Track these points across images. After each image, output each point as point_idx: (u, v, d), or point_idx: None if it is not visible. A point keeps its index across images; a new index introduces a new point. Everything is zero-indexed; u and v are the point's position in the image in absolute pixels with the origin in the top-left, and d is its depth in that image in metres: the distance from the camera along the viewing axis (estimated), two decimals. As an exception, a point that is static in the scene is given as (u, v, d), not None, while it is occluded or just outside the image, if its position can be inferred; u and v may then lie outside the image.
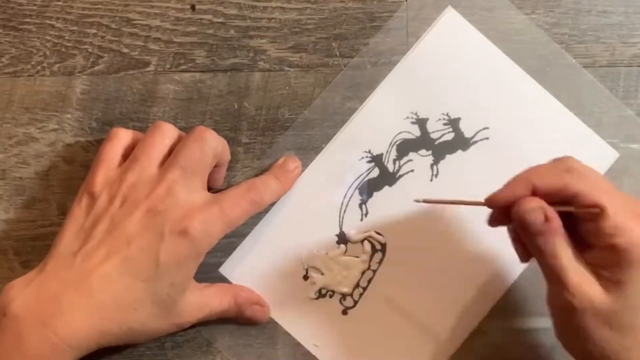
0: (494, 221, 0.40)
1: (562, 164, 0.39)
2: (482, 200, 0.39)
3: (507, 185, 0.39)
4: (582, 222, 0.37)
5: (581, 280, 0.36)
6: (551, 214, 0.37)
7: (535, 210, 0.37)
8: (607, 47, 0.48)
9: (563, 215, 0.37)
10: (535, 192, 0.38)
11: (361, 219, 0.47)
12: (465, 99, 0.47)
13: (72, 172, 0.47)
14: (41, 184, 0.47)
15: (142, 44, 0.47)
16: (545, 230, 0.37)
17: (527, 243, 0.38)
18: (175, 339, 0.46)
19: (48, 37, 0.47)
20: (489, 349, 0.46)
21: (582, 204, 0.36)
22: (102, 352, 0.46)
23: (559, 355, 0.46)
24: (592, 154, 0.47)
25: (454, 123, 0.47)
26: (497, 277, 0.46)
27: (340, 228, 0.47)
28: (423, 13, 0.48)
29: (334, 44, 0.48)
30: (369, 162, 0.47)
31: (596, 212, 0.36)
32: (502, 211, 0.39)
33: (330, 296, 0.46)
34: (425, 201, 0.43)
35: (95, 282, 0.39)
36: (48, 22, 0.47)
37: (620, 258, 0.35)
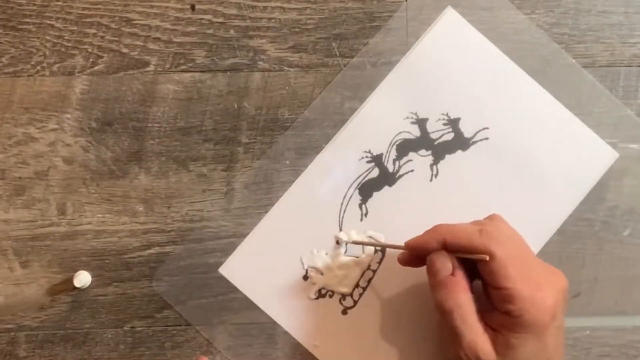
0: (403, 260, 0.43)
1: (479, 224, 0.40)
2: (402, 244, 0.42)
3: (423, 235, 0.41)
4: (487, 286, 0.39)
5: (475, 340, 0.38)
6: (458, 272, 0.39)
7: (445, 259, 0.40)
8: (607, 47, 0.48)
9: (473, 278, 0.40)
10: (445, 247, 0.40)
11: (361, 219, 0.47)
12: (465, 99, 0.47)
13: (72, 172, 0.47)
14: (41, 184, 0.47)
15: (142, 44, 0.47)
16: (449, 282, 0.39)
17: (433, 297, 0.40)
18: (175, 339, 0.46)
19: (48, 37, 0.47)
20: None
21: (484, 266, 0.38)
22: (102, 351, 0.46)
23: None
24: (592, 154, 0.47)
25: (453, 123, 0.47)
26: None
27: (340, 228, 0.47)
28: (423, 13, 0.48)
29: (333, 44, 0.48)
30: (369, 162, 0.47)
31: (484, 259, 0.38)
32: (415, 255, 0.42)
33: (330, 296, 0.46)
34: (354, 242, 0.46)
35: None
36: (48, 22, 0.47)
37: (513, 323, 0.38)
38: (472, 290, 0.40)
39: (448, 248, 0.40)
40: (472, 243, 0.39)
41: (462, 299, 0.39)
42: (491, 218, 0.41)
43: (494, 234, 0.39)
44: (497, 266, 0.38)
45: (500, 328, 0.38)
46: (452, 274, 0.39)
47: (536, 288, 0.38)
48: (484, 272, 0.39)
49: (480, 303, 0.39)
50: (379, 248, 0.47)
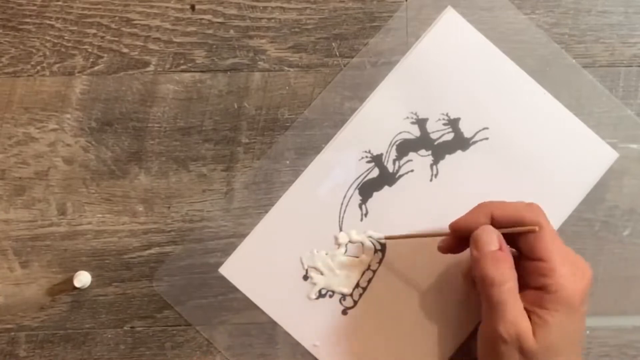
0: (445, 247, 0.43)
1: (524, 202, 0.41)
2: (446, 230, 0.42)
3: (469, 213, 0.41)
4: (524, 261, 0.39)
5: (516, 316, 0.38)
6: (505, 247, 0.40)
7: (492, 233, 0.40)
8: (607, 47, 0.48)
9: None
10: (492, 222, 0.40)
11: (361, 219, 0.47)
12: (465, 99, 0.47)
13: (72, 172, 0.47)
14: (41, 184, 0.47)
15: (142, 44, 0.47)
16: (498, 255, 0.39)
17: (477, 271, 0.40)
18: (175, 339, 0.46)
19: (48, 37, 0.47)
20: (489, 348, 0.46)
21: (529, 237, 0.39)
22: (102, 351, 0.46)
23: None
24: (592, 154, 0.47)
25: (453, 123, 0.47)
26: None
27: (340, 228, 0.47)
28: (423, 13, 0.48)
29: (333, 44, 0.48)
30: (369, 162, 0.47)
31: (534, 230, 0.38)
32: (459, 239, 0.42)
33: (330, 296, 0.46)
34: (387, 238, 0.46)
35: None
36: (48, 22, 0.47)
37: (548, 299, 0.38)
38: None
39: (496, 223, 0.40)
40: (522, 215, 0.39)
41: (509, 274, 0.39)
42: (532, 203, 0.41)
43: (540, 209, 0.39)
44: (544, 238, 0.38)
45: (533, 307, 0.38)
46: (500, 249, 0.39)
47: (574, 268, 0.38)
48: (526, 245, 0.39)
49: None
50: (379, 248, 0.47)
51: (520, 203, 0.40)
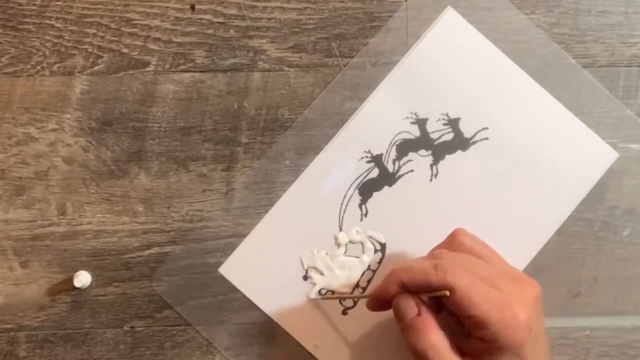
0: (371, 307, 0.42)
1: (433, 257, 0.40)
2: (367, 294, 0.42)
3: (382, 283, 0.41)
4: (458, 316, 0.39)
5: None
6: (423, 310, 0.39)
7: (408, 301, 0.39)
8: (607, 47, 0.48)
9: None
10: (405, 289, 0.39)
11: (361, 219, 0.47)
12: (465, 99, 0.47)
13: (72, 172, 0.47)
14: (41, 184, 0.47)
15: (142, 44, 0.47)
16: (418, 324, 0.38)
17: (405, 341, 0.39)
18: (175, 339, 0.46)
19: (48, 37, 0.47)
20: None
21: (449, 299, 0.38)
22: (102, 351, 0.46)
23: (557, 355, 0.46)
24: (592, 154, 0.47)
25: (453, 123, 0.47)
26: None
27: (340, 228, 0.47)
28: (423, 13, 0.48)
29: (333, 44, 0.48)
30: (369, 162, 0.47)
31: (445, 295, 0.37)
32: (382, 302, 0.41)
33: (330, 296, 0.46)
34: (323, 298, 0.46)
35: None
36: (48, 22, 0.47)
37: (490, 347, 0.37)
38: (445, 321, 0.39)
39: (408, 289, 0.39)
40: (430, 281, 0.38)
41: (433, 339, 0.38)
42: (449, 240, 0.41)
43: (449, 267, 0.38)
44: (459, 298, 0.37)
45: (480, 353, 0.38)
46: (419, 314, 0.39)
47: (504, 307, 0.37)
48: (448, 305, 0.38)
49: (457, 331, 0.39)
50: (378, 248, 0.47)
51: (429, 264, 0.38)
